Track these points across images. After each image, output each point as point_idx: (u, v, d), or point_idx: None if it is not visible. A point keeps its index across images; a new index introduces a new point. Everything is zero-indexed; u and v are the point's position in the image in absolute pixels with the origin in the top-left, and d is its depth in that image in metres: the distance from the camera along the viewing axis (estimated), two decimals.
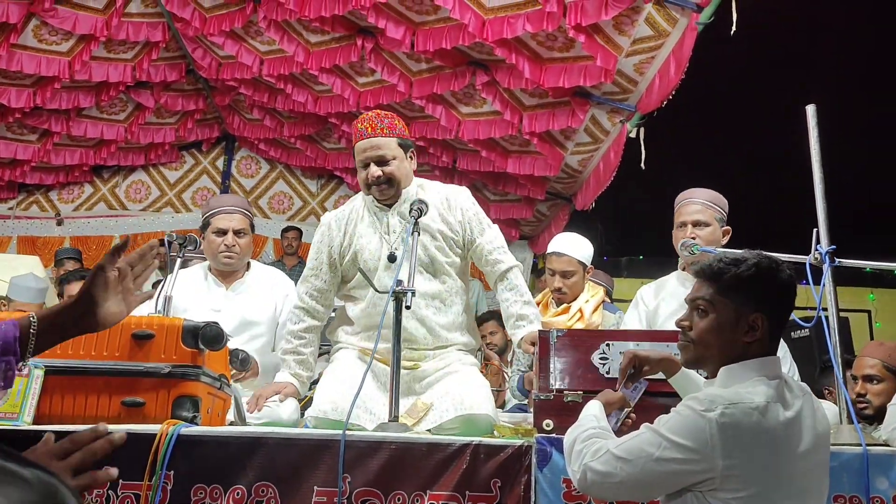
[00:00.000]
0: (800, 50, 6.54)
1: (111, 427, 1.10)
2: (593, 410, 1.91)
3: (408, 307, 2.38)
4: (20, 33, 6.18)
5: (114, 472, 1.09)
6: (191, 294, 3.24)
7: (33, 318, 1.39)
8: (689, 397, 1.72)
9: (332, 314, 3.11)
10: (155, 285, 3.87)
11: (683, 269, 3.25)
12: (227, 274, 3.33)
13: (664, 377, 2.03)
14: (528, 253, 8.64)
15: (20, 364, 1.36)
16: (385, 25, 5.44)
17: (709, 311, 1.78)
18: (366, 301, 2.83)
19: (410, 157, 2.89)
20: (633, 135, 5.44)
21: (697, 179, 3.31)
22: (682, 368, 2.00)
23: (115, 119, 7.89)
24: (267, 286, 3.37)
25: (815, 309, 2.47)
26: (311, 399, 3.30)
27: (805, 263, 2.49)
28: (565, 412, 2.22)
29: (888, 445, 2.34)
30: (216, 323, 2.40)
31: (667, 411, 1.72)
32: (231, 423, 2.62)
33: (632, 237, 8.58)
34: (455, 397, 2.54)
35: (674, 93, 4.73)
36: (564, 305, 3.62)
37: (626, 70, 5.15)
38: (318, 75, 6.42)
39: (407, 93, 6.21)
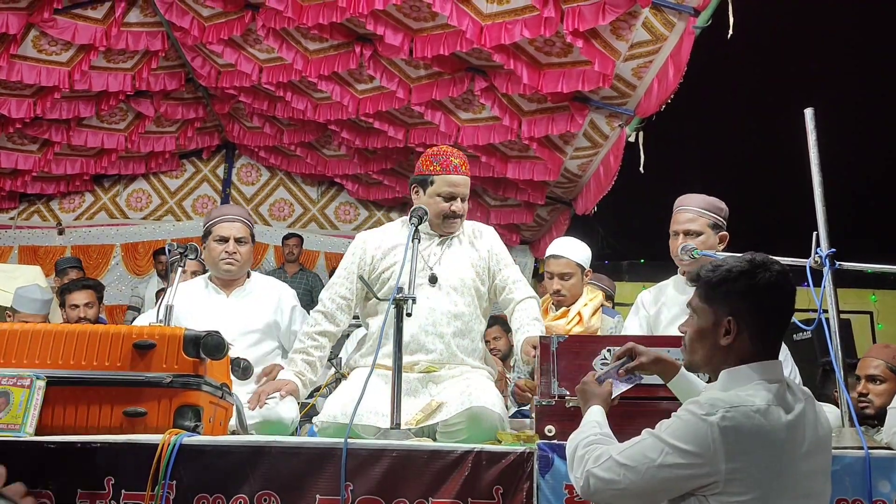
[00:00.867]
0: (797, 53, 6.54)
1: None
2: (595, 416, 1.91)
3: (409, 314, 2.41)
4: (20, 44, 6.18)
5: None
6: (192, 302, 3.25)
7: None
8: (689, 401, 1.72)
9: (349, 328, 3.15)
10: (158, 294, 3.88)
11: (683, 275, 3.25)
12: (227, 282, 3.37)
13: (662, 382, 2.04)
14: (528, 258, 8.64)
15: None
16: (383, 32, 5.44)
17: (694, 317, 1.84)
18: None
19: None
20: (631, 139, 5.44)
21: (697, 182, 3.31)
22: (681, 372, 2.01)
23: (115, 128, 7.89)
24: (267, 294, 3.41)
25: (816, 311, 2.48)
26: (312, 406, 3.31)
27: (805, 267, 2.49)
28: (567, 418, 2.21)
29: (890, 448, 2.34)
30: (217, 332, 2.40)
31: (668, 416, 1.73)
32: (233, 432, 2.62)
33: (633, 241, 8.57)
34: (464, 392, 2.62)
35: (672, 97, 4.74)
36: (563, 309, 3.66)
37: (624, 74, 5.16)
38: (317, 83, 6.42)
39: (406, 99, 6.21)
